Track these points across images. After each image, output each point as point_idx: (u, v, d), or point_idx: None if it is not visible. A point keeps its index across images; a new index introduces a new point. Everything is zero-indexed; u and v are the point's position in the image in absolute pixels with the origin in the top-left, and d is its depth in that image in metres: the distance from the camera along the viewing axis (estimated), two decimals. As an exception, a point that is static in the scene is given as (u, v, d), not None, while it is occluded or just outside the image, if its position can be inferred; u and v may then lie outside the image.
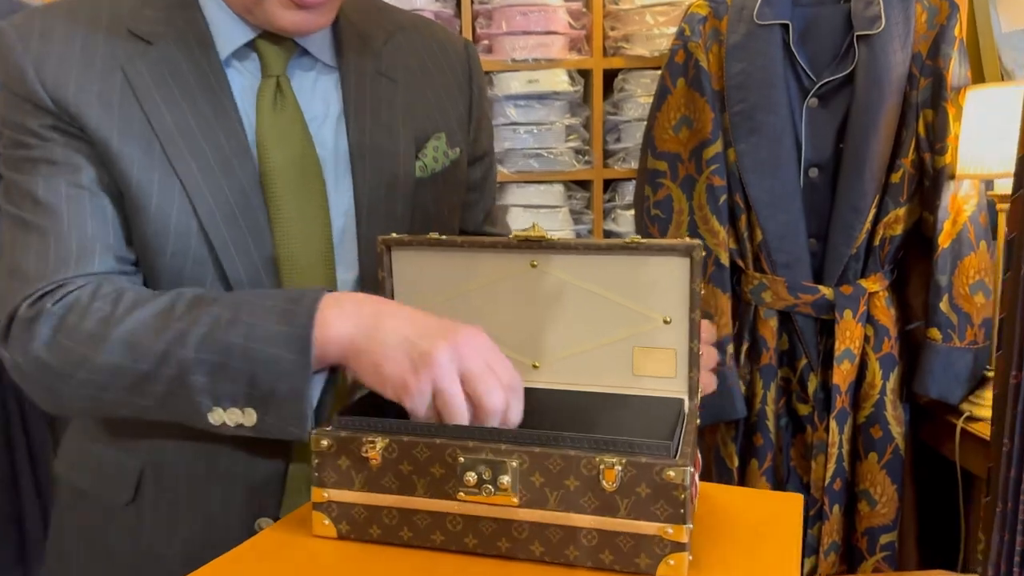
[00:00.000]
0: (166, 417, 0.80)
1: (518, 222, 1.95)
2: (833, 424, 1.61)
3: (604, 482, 0.64)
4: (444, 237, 0.81)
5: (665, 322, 0.78)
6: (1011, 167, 1.49)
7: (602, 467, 0.64)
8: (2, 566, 1.62)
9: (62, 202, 0.83)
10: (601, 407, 0.79)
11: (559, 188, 1.98)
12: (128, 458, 0.89)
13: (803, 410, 1.66)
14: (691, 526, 0.64)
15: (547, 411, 0.81)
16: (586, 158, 2.03)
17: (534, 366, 0.82)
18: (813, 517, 1.66)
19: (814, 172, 1.64)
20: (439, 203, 0.99)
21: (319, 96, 0.93)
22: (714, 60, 1.64)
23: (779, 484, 1.68)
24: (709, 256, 1.62)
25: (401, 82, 0.97)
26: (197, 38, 0.88)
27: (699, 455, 0.71)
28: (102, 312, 0.78)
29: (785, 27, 1.59)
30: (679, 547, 0.64)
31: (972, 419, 1.56)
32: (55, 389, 0.80)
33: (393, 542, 0.69)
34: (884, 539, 1.64)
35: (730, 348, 1.64)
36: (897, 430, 1.62)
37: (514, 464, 0.66)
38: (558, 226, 1.92)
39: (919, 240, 1.65)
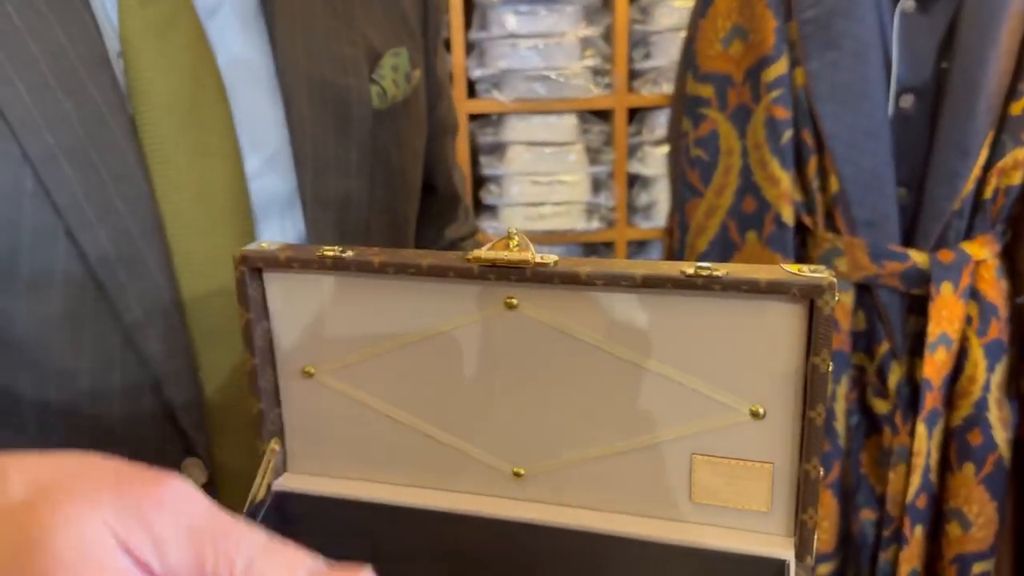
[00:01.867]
0: None
1: (518, 164, 1.57)
2: (921, 428, 1.27)
3: None
4: (349, 253, 0.45)
5: (755, 416, 0.42)
6: None
7: None
8: None
9: None
10: (632, 565, 0.44)
11: (572, 120, 1.61)
12: None
13: (881, 407, 1.32)
14: None
15: (533, 566, 0.46)
16: (606, 80, 1.65)
17: (516, 474, 0.47)
18: (888, 538, 1.34)
19: (908, 100, 1.26)
20: (402, 149, 0.73)
21: None
22: (778, -51, 1.25)
23: (847, 496, 1.36)
24: (768, 213, 1.26)
25: None
26: None
27: None
28: None
29: (877, -98, 1.19)
30: None
31: (1104, 424, 1.22)
32: None
33: None
34: (978, 568, 1.32)
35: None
36: (1002, 435, 1.28)
37: None
38: (569, 168, 1.55)
39: (1042, 189, 1.27)
